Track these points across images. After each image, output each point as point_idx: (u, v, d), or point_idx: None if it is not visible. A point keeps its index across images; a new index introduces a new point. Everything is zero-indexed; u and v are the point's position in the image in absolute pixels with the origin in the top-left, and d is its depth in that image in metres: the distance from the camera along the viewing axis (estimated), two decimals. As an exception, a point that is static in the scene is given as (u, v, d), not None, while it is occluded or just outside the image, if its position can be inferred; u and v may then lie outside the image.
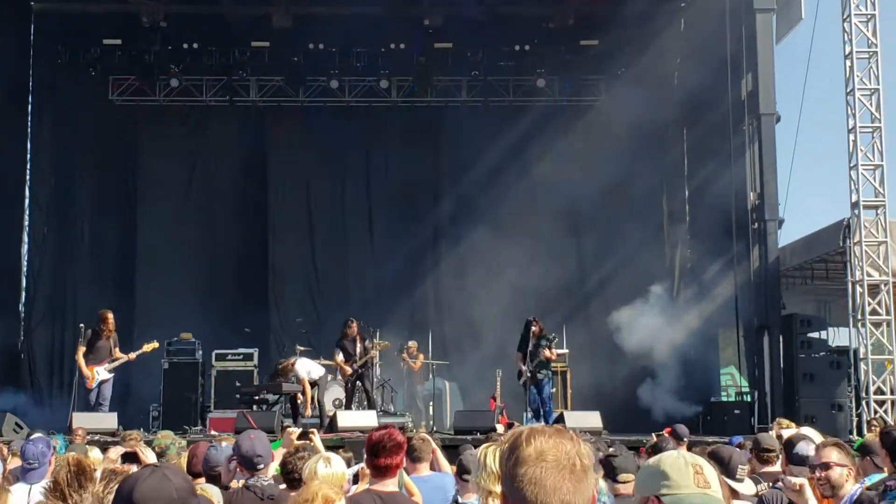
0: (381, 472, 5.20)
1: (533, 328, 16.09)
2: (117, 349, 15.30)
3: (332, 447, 9.38)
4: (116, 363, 15.21)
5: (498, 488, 4.56)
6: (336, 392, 17.06)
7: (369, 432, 5.50)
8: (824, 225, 17.88)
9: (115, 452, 7.45)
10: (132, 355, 15.31)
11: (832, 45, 16.91)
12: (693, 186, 20.43)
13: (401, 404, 18.53)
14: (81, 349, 15.15)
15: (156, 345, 15.88)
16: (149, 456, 6.08)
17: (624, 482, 5.45)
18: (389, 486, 5.19)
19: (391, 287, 20.58)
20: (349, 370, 16.30)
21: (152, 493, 2.68)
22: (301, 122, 21.47)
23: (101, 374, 15.02)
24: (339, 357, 16.90)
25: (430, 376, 18.59)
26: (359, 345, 16.34)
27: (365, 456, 5.40)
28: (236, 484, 5.91)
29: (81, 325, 15.69)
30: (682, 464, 2.60)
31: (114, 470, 4.14)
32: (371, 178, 21.72)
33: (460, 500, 5.76)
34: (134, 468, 6.48)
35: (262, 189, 21.54)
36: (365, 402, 16.75)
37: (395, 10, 20.17)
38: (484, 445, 5.25)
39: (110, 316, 15.26)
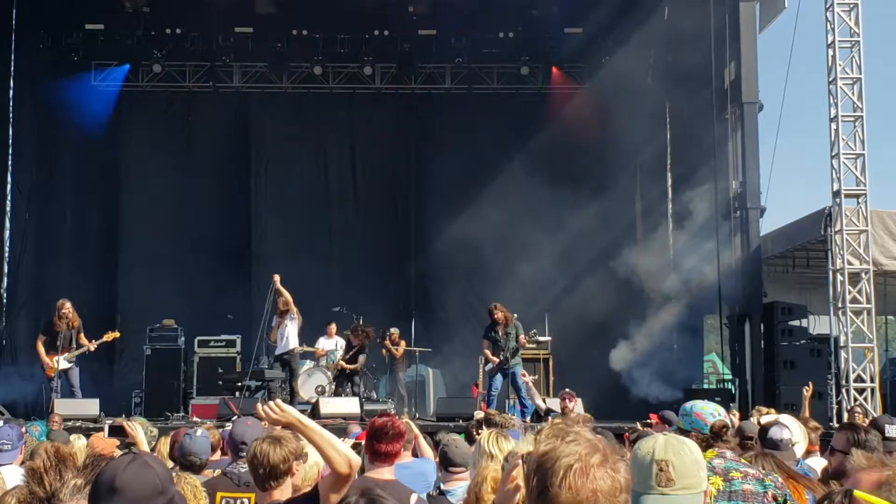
0: (380, 457, 5.24)
1: (496, 314, 15.77)
2: (81, 336, 15.24)
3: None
4: (77, 352, 15.17)
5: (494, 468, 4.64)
6: (319, 379, 17.07)
7: (373, 418, 5.56)
8: (806, 213, 17.97)
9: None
10: (92, 345, 15.27)
11: (815, 35, 16.96)
12: (675, 175, 20.49)
13: (383, 391, 18.56)
14: (41, 338, 15.18)
15: (116, 334, 15.91)
16: (137, 431, 6.08)
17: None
18: (385, 473, 5.22)
19: (374, 274, 20.60)
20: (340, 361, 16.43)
21: (135, 481, 2.66)
22: (284, 108, 21.40)
23: (61, 363, 14.98)
24: (321, 346, 16.98)
25: (414, 364, 18.62)
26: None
27: (364, 441, 5.44)
28: (210, 473, 5.94)
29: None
30: (647, 461, 2.59)
31: (100, 455, 4.14)
32: (355, 164, 21.69)
33: (443, 487, 5.79)
34: (115, 442, 6.51)
35: (246, 175, 21.49)
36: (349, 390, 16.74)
37: (379, -3, 20.15)
38: (486, 432, 5.32)
39: (67, 305, 15.19)
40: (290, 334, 15.80)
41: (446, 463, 5.94)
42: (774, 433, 6.45)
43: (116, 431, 6.58)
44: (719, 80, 18.05)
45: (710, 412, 5.14)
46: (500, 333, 15.55)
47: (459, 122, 21.34)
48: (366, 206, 21.60)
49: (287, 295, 15.46)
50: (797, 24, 17.46)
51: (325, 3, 19.88)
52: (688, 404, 5.37)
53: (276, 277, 15.46)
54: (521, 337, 15.52)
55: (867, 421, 9.53)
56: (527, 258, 19.98)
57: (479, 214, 20.32)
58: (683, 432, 4.87)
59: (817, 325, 19.05)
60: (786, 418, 7.29)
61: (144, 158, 21.28)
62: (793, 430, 6.70)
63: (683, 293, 19.04)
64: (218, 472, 5.83)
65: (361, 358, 16.76)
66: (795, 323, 17.39)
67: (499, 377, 15.55)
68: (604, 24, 19.81)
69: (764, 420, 7.73)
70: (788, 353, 16.80)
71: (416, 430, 7.48)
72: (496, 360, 15.51)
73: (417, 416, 16.69)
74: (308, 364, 17.60)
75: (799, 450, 6.87)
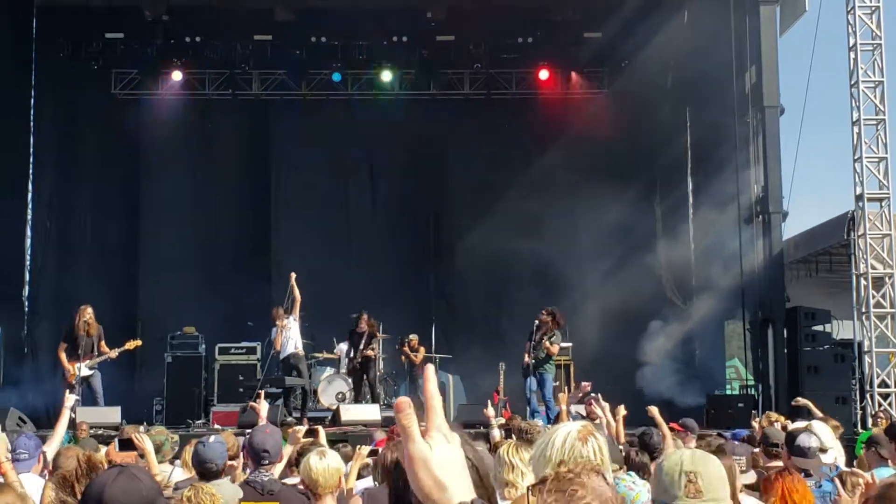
0: None
1: (541, 317, 15.87)
2: (102, 343, 15.20)
3: (334, 441, 9.38)
4: (99, 359, 15.12)
5: (514, 478, 4.72)
6: (339, 386, 17.05)
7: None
8: (828, 218, 17.84)
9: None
10: (113, 352, 15.21)
11: (836, 38, 16.87)
12: (696, 179, 20.38)
13: (401, 394, 18.49)
14: (63, 345, 15.13)
15: (138, 342, 15.68)
16: (145, 443, 6.07)
17: None
18: None
19: (394, 280, 20.57)
20: (347, 366, 16.27)
21: (122, 495, 2.69)
22: (304, 115, 21.41)
23: (82, 370, 14.96)
24: (341, 351, 16.97)
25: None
26: (364, 340, 16.26)
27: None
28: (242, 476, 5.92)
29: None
30: (676, 472, 2.60)
31: (121, 464, 4.11)
32: (373, 171, 21.69)
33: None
34: (133, 455, 6.50)
35: (265, 182, 21.52)
36: (368, 396, 16.69)
37: (397, 3, 20.14)
38: (507, 443, 5.30)
39: (88, 311, 15.12)
40: (294, 337, 15.78)
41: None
42: (802, 441, 6.36)
43: (126, 446, 6.57)
44: (740, 84, 17.94)
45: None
46: (537, 338, 15.66)
47: (478, 127, 21.29)
48: (385, 212, 21.58)
49: (297, 295, 15.45)
50: (818, 27, 17.37)
51: (343, 10, 19.89)
52: None
53: (293, 276, 15.46)
54: (546, 344, 15.56)
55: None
56: (546, 264, 19.92)
57: (498, 220, 20.31)
58: None
59: (841, 329, 18.89)
60: (817, 424, 7.20)
61: (164, 166, 21.34)
62: (824, 438, 6.62)
63: (705, 299, 18.92)
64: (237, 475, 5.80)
65: (374, 343, 16.54)
66: (819, 328, 17.25)
67: (531, 379, 15.67)
68: (623, 28, 19.71)
69: (792, 426, 7.65)
70: (812, 358, 16.67)
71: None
72: (526, 360, 15.66)
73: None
74: (328, 371, 17.60)
75: (830, 456, 6.77)
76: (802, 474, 6.23)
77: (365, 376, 16.52)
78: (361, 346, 16.27)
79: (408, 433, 1.87)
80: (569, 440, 3.08)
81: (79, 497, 3.01)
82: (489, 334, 20.61)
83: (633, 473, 5.37)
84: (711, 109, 19.02)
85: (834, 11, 16.95)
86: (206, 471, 5.89)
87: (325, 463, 5.08)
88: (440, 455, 1.87)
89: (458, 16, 19.89)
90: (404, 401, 1.91)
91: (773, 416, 10.34)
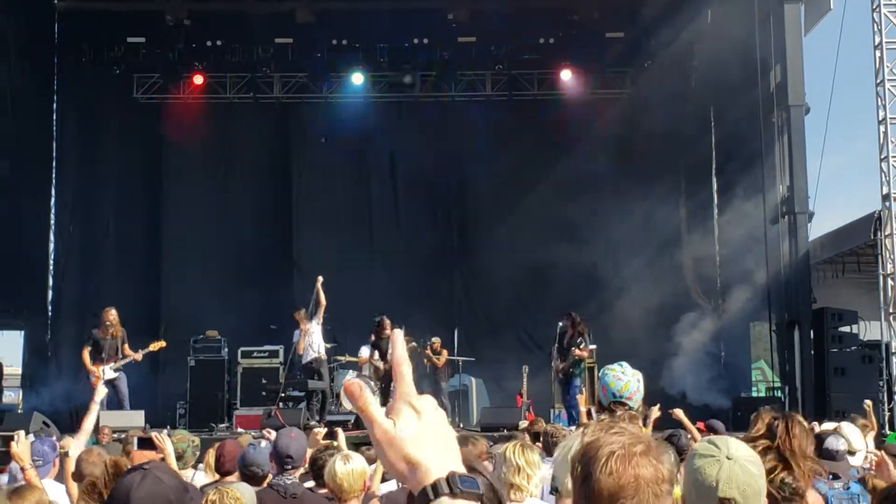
0: None
1: (564, 323, 15.88)
2: (126, 346, 15.19)
3: (358, 444, 9.32)
4: (123, 361, 15.11)
5: (518, 480, 4.82)
6: (362, 388, 16.95)
7: None
8: (855, 218, 17.66)
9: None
10: (138, 355, 15.19)
11: (861, 36, 16.70)
12: (721, 179, 20.23)
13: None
14: (86, 349, 15.11)
15: (163, 343, 15.63)
16: (165, 443, 6.03)
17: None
18: None
19: (416, 283, 20.51)
20: (382, 368, 16.10)
21: (148, 498, 2.70)
22: (325, 117, 21.39)
23: (106, 372, 14.95)
24: (364, 354, 16.87)
25: (457, 373, 18.50)
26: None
27: None
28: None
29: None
30: (710, 492, 2.59)
31: (144, 466, 4.03)
32: (395, 173, 21.64)
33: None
34: (152, 454, 6.45)
35: (287, 185, 21.52)
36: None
37: (418, 5, 20.12)
38: (511, 443, 5.22)
39: (113, 313, 15.09)
40: (316, 342, 15.74)
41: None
42: (831, 443, 6.30)
43: (146, 445, 6.53)
44: (765, 83, 17.78)
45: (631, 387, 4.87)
46: (565, 344, 15.68)
47: (500, 128, 21.20)
48: (407, 215, 21.52)
49: (323, 300, 15.41)
50: (843, 25, 17.20)
51: (364, 12, 19.90)
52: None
53: (319, 279, 15.43)
54: (575, 350, 15.54)
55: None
56: (570, 266, 19.81)
57: (521, 221, 20.24)
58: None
59: (868, 331, 18.69)
60: (846, 426, 7.08)
61: (186, 170, 21.39)
62: (853, 440, 6.52)
63: (731, 300, 18.79)
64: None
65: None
66: (846, 329, 17.09)
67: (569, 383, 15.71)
68: (646, 28, 19.63)
69: (820, 429, 7.54)
70: (839, 359, 16.51)
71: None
72: (560, 366, 15.71)
73: (462, 426, 16.56)
74: (351, 374, 17.53)
75: (859, 458, 6.68)
76: (830, 477, 6.15)
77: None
78: (390, 352, 16.11)
79: (366, 416, 1.68)
80: None
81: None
82: (512, 337, 20.55)
83: (624, 363, 5.21)
84: (736, 109, 18.88)
85: (859, 9, 16.81)
86: (252, 474, 5.85)
87: (350, 467, 5.01)
88: (407, 430, 1.65)
89: (479, 17, 19.86)
90: (353, 383, 1.71)
91: (799, 417, 10.19)
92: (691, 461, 2.66)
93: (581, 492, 2.20)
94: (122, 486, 2.74)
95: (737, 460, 2.61)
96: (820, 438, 6.47)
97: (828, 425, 7.80)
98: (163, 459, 6.01)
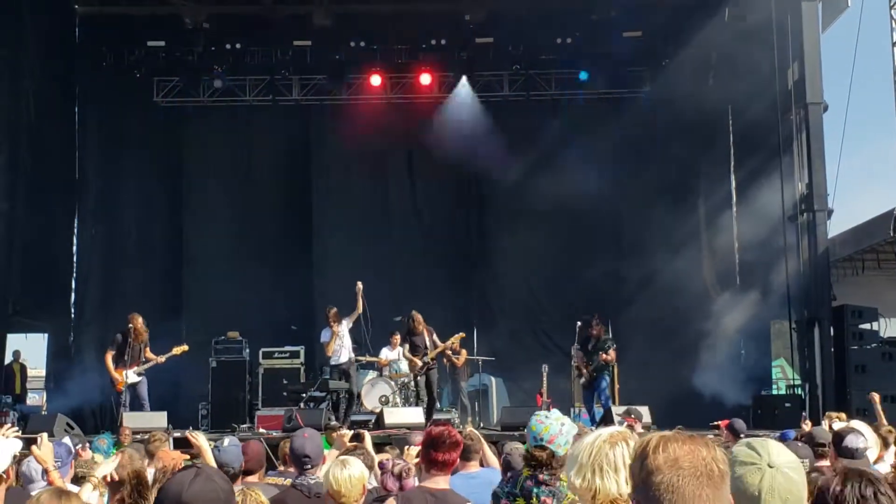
0: (436, 466, 5.18)
1: (591, 328, 16.07)
2: (148, 350, 15.35)
3: (378, 444, 9.40)
4: (146, 366, 15.27)
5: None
6: (382, 389, 17.05)
7: (428, 427, 5.52)
8: (874, 215, 17.60)
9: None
10: (161, 358, 15.34)
11: (879, 33, 16.66)
12: (740, 177, 20.19)
13: (445, 401, 18.48)
14: (110, 353, 15.26)
15: (185, 348, 15.77)
16: (201, 440, 6.09)
17: None
18: (441, 482, 5.17)
19: (435, 282, 20.56)
20: (420, 363, 16.10)
21: (200, 496, 2.71)
22: (344, 119, 21.45)
23: (130, 376, 15.10)
24: (384, 356, 16.95)
25: (476, 372, 18.55)
26: (427, 339, 16.15)
27: (420, 449, 5.40)
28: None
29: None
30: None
31: (163, 469, 4.13)
32: (414, 174, 21.69)
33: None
34: (177, 452, 6.53)
35: (306, 187, 21.60)
36: (425, 399, 16.46)
37: (435, 6, 20.17)
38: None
39: (139, 320, 15.26)
40: (348, 345, 15.85)
41: (509, 471, 5.91)
42: (851, 441, 6.31)
43: (182, 444, 6.60)
44: (783, 81, 17.75)
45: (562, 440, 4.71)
46: (590, 347, 15.87)
47: (518, 128, 21.22)
48: (426, 215, 21.57)
49: (360, 308, 15.56)
50: (861, 22, 17.17)
51: (382, 13, 19.97)
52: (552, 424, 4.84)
53: (359, 285, 15.53)
54: (602, 354, 15.72)
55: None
56: (589, 265, 19.84)
57: (540, 221, 20.26)
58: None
59: (888, 327, 18.63)
60: (858, 424, 7.11)
61: (206, 172, 21.51)
62: (866, 437, 6.54)
63: (750, 298, 18.75)
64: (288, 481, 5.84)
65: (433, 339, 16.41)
66: (866, 326, 17.04)
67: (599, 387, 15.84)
68: (664, 26, 19.62)
69: (836, 426, 7.55)
70: (859, 357, 16.49)
71: (483, 441, 7.42)
72: (584, 372, 15.96)
73: (482, 425, 16.60)
74: (371, 374, 17.62)
75: (871, 455, 6.70)
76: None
77: (427, 377, 16.25)
78: (428, 345, 16.11)
79: None
80: (597, 442, 3.11)
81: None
82: (531, 337, 20.58)
83: (554, 411, 5.14)
84: (754, 107, 18.84)
85: (877, 7, 16.77)
86: (302, 464, 5.89)
87: (347, 473, 5.03)
88: None
89: (496, 17, 19.90)
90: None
91: (834, 415, 10.22)
92: (733, 468, 2.62)
93: (640, 476, 2.24)
94: (173, 484, 2.76)
95: (779, 468, 2.60)
96: (840, 436, 6.49)
97: (837, 425, 7.80)
98: (196, 456, 6.09)
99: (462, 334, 16.84)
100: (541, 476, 4.41)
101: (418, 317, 16.17)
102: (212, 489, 2.74)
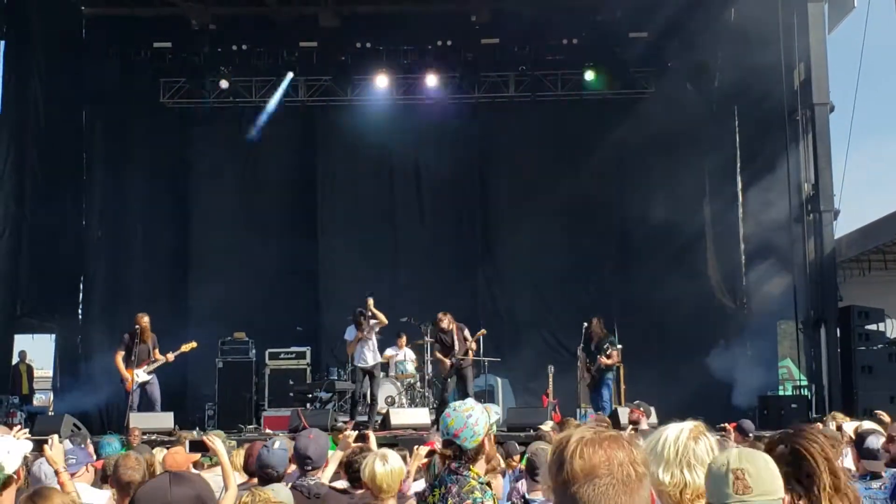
0: None
1: (592, 330, 16.12)
2: (156, 350, 15.38)
3: (384, 445, 9.40)
4: (155, 365, 15.30)
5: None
6: (388, 390, 17.07)
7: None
8: (881, 215, 17.58)
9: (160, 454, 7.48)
10: (170, 356, 15.33)
11: (885, 34, 16.61)
12: (746, 178, 20.17)
13: (451, 401, 18.43)
14: (119, 353, 15.29)
15: (194, 344, 15.79)
16: (217, 444, 6.10)
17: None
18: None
19: (441, 284, 20.57)
20: (449, 363, 16.09)
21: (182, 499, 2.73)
22: (349, 120, 21.47)
23: (140, 376, 15.13)
24: (389, 353, 16.99)
25: (482, 373, 18.54)
26: (456, 336, 16.12)
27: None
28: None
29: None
30: (723, 471, 2.63)
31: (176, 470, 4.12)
32: (420, 175, 21.71)
33: (528, 496, 5.80)
34: (182, 458, 6.54)
35: (312, 188, 21.65)
36: (435, 402, 16.46)
37: (441, 7, 20.18)
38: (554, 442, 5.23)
39: (146, 319, 15.28)
40: (374, 349, 15.81)
41: (533, 472, 5.92)
42: (871, 442, 6.34)
43: (197, 447, 6.60)
44: (789, 82, 17.70)
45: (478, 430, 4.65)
46: (593, 348, 15.93)
47: (524, 129, 21.23)
48: (431, 216, 21.59)
49: (383, 319, 15.55)
50: (867, 23, 17.12)
51: (387, 15, 19.99)
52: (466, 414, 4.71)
53: (370, 301, 15.50)
54: (601, 357, 15.77)
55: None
56: (594, 265, 19.85)
57: (545, 222, 20.25)
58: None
59: (895, 328, 18.60)
60: (869, 426, 7.11)
61: (212, 173, 21.55)
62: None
63: (756, 298, 18.73)
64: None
65: (463, 335, 16.35)
66: (873, 327, 16.99)
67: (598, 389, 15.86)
68: (669, 27, 19.60)
69: (847, 427, 7.56)
70: (866, 357, 16.44)
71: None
72: (586, 374, 16.10)
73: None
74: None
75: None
76: (869, 476, 6.17)
77: (457, 375, 16.18)
78: (457, 342, 16.08)
79: None
80: (681, 437, 3.13)
81: None
82: (537, 338, 20.57)
83: (467, 401, 5.09)
84: (760, 108, 18.82)
85: (883, 8, 16.73)
86: (267, 476, 5.92)
87: (389, 467, 5.11)
88: None
89: (502, 18, 19.91)
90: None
91: (840, 416, 10.20)
92: (708, 468, 2.73)
93: (557, 481, 2.24)
94: (156, 490, 2.78)
95: (743, 450, 2.71)
96: (861, 437, 6.49)
97: (848, 425, 7.81)
98: (211, 458, 6.09)
99: (483, 331, 16.78)
100: (452, 465, 4.55)
101: (441, 316, 16.14)
102: (186, 493, 2.77)
